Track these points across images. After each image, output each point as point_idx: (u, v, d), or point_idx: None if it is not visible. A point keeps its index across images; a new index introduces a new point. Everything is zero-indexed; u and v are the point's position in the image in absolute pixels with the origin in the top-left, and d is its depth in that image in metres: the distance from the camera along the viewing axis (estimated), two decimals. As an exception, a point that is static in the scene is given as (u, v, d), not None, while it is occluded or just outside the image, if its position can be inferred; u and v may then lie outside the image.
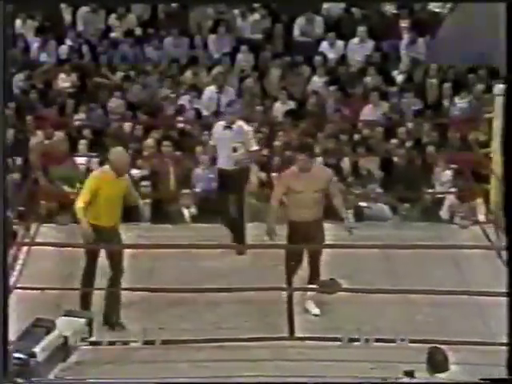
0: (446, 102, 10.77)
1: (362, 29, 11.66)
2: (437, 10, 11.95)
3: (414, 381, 5.85)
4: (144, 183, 9.28)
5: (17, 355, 6.05)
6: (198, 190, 9.39)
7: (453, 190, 9.18)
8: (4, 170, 5.50)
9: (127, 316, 7.10)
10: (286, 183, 7.08)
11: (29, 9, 12.14)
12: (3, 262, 5.31)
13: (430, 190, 9.45)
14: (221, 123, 8.17)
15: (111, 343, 6.63)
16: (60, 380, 6.24)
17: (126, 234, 8.35)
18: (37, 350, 6.13)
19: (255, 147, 8.17)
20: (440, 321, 7.02)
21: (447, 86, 10.86)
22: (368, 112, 10.60)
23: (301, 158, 7.03)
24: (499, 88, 8.76)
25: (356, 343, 6.67)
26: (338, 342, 6.70)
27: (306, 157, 7.02)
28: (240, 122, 8.15)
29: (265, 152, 9.90)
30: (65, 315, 6.56)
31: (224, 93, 10.91)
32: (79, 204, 6.88)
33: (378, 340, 6.69)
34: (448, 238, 7.87)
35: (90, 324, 6.62)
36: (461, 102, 10.63)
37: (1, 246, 5.27)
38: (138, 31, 12.16)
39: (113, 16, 12.31)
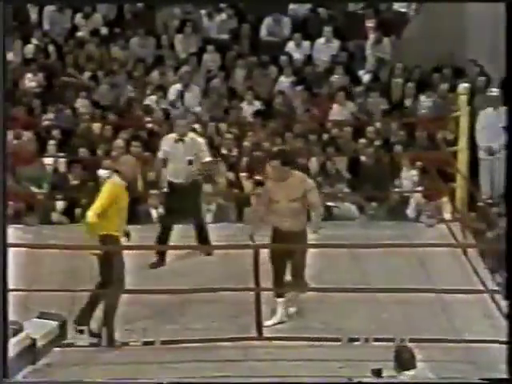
0: (410, 102, 10.85)
1: (327, 29, 11.71)
2: (402, 10, 12.03)
3: (408, 381, 5.91)
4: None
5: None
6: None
7: (419, 188, 9.26)
8: (4, 170, 5.49)
9: (93, 317, 7.09)
10: (266, 191, 7.00)
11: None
12: (3, 262, 5.29)
13: (396, 189, 9.53)
14: (171, 136, 8.04)
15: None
16: (60, 380, 6.22)
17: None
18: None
19: (208, 158, 8.07)
20: (406, 319, 7.08)
21: (412, 85, 10.94)
22: (336, 112, 10.65)
23: (273, 165, 6.91)
24: (464, 87, 8.86)
25: (325, 343, 6.70)
26: (306, 342, 6.73)
27: (279, 165, 6.87)
28: (192, 134, 8.08)
29: (234, 152, 9.94)
30: (38, 317, 6.53)
31: (189, 91, 10.91)
32: (94, 213, 6.63)
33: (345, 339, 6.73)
34: (414, 236, 7.95)
35: (63, 326, 6.59)
36: (427, 101, 10.72)
37: (0, 246, 5.26)
38: (104, 31, 12.11)
39: (79, 15, 12.26)
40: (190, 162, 7.94)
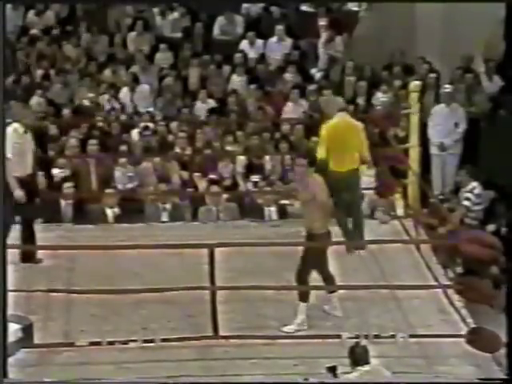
0: (362, 100, 10.93)
1: (279, 27, 11.75)
2: (354, 9, 12.11)
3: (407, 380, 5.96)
4: (67, 184, 9.21)
5: None
6: (119, 189, 9.38)
7: (371, 186, 9.33)
8: (4, 170, 5.41)
9: (49, 317, 7.04)
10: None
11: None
12: (3, 262, 5.23)
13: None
14: (15, 127, 7.62)
15: (110, 343, 6.55)
16: (60, 380, 6.15)
17: (47, 234, 8.32)
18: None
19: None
20: (360, 315, 7.14)
21: (364, 83, 11.02)
22: (289, 110, 10.69)
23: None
24: (415, 84, 8.95)
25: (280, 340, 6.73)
26: (262, 340, 6.76)
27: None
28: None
29: (188, 151, 9.93)
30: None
31: (138, 92, 10.84)
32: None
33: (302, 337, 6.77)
34: (368, 232, 7.99)
35: (27, 329, 6.51)
36: (383, 97, 10.81)
37: (0, 246, 5.20)
38: (56, 29, 12.01)
39: (31, 13, 12.14)
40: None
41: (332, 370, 5.99)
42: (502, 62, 10.50)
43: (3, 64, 5.29)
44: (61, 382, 6.16)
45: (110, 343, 6.57)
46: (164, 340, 6.66)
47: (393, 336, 6.71)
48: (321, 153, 7.41)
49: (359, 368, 5.89)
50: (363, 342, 6.12)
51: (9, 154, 7.30)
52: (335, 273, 7.13)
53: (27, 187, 7.69)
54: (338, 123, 7.52)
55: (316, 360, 6.42)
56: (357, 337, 6.53)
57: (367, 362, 5.91)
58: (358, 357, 5.91)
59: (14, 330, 6.33)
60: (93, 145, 9.64)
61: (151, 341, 6.66)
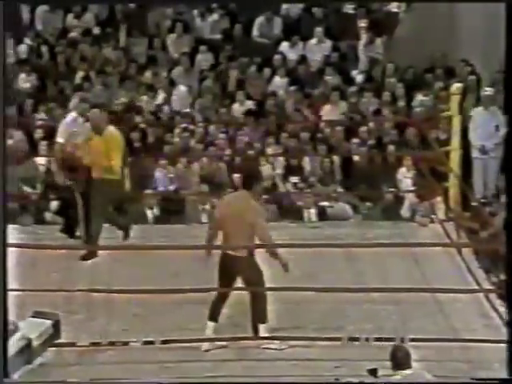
0: (403, 102, 10.88)
1: (319, 29, 11.73)
2: (394, 10, 12.06)
3: (406, 381, 5.91)
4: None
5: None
6: (160, 190, 9.42)
7: (412, 188, 9.28)
8: (4, 170, 5.46)
9: (89, 317, 7.08)
10: None
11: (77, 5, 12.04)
12: (3, 262, 5.27)
13: (390, 189, 9.55)
14: (74, 117, 8.20)
15: (111, 343, 6.58)
16: (62, 380, 6.19)
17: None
18: (-6, 352, 6.04)
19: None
20: (402, 318, 7.10)
21: (403, 85, 10.97)
22: (328, 112, 10.67)
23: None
24: (456, 87, 8.88)
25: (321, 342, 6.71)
26: (302, 341, 6.74)
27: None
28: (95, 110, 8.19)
29: (227, 152, 9.95)
30: (32, 316, 6.50)
31: (177, 94, 10.89)
32: None
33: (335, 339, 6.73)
34: (409, 235, 7.96)
35: (56, 325, 6.57)
36: (424, 99, 10.75)
37: (0, 246, 5.23)
38: (96, 31, 12.08)
39: (70, 16, 12.22)
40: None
41: (373, 372, 5.94)
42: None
43: (3, 64, 5.28)
44: (61, 381, 6.17)
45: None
46: (205, 340, 6.66)
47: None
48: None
49: (401, 372, 5.84)
50: (406, 344, 6.07)
51: (60, 140, 8.09)
52: (375, 275, 7.10)
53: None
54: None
55: (357, 363, 6.38)
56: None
57: (409, 366, 5.86)
58: (399, 360, 5.86)
59: (45, 326, 6.38)
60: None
61: (192, 340, 6.66)
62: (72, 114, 8.24)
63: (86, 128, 8.12)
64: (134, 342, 6.62)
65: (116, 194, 8.03)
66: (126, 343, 6.62)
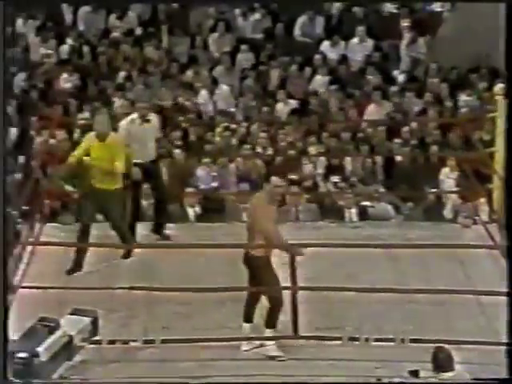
0: (446, 102, 10.78)
1: (361, 28, 11.68)
2: (437, 10, 11.95)
3: (410, 381, 5.85)
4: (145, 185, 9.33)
5: (20, 355, 6.02)
6: (202, 188, 9.43)
7: (455, 189, 9.19)
8: (4, 170, 5.48)
9: (130, 315, 7.11)
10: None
11: (30, 9, 12.12)
12: (3, 261, 5.29)
13: (433, 190, 9.47)
14: (132, 118, 8.14)
15: (111, 342, 6.60)
16: (61, 380, 6.22)
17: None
18: (40, 349, 6.12)
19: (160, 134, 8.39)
20: (444, 320, 7.03)
21: (447, 85, 10.87)
22: (371, 111, 10.61)
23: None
24: (500, 87, 8.78)
25: (356, 342, 6.65)
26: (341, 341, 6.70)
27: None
28: (153, 114, 8.24)
29: (269, 151, 9.94)
30: (71, 314, 6.54)
31: (219, 93, 10.90)
32: None
33: (380, 339, 6.68)
34: (451, 237, 7.88)
35: (94, 322, 6.61)
36: (468, 100, 10.65)
37: (0, 246, 5.25)
38: (139, 31, 12.14)
39: (113, 16, 12.30)
40: (158, 141, 8.29)
41: (414, 374, 5.90)
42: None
43: (3, 64, 5.29)
44: (61, 381, 6.19)
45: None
46: (245, 338, 6.65)
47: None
48: None
49: (443, 374, 5.78)
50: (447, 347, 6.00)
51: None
52: (417, 276, 7.04)
53: (148, 172, 8.19)
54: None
55: (398, 364, 6.33)
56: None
57: (452, 369, 5.79)
58: (441, 362, 5.79)
59: (85, 323, 6.41)
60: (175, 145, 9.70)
61: (230, 339, 6.64)
62: (132, 116, 8.19)
63: (144, 130, 8.10)
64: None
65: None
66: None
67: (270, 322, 6.71)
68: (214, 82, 11.17)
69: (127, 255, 7.91)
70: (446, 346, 5.90)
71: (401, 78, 11.33)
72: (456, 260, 7.78)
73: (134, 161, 8.10)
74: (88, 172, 7.85)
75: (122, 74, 11.42)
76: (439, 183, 9.55)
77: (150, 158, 8.19)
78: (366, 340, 6.65)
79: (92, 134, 7.86)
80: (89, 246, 7.73)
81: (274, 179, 6.70)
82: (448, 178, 9.47)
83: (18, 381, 5.91)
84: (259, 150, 9.98)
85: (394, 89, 10.95)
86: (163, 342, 6.62)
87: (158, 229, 8.36)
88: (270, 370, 6.46)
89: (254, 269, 6.68)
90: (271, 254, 6.72)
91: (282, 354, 6.65)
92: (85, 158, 7.80)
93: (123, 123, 8.16)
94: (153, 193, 8.44)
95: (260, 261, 6.66)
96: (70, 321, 6.50)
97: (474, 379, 5.71)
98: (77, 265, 7.73)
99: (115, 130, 8.07)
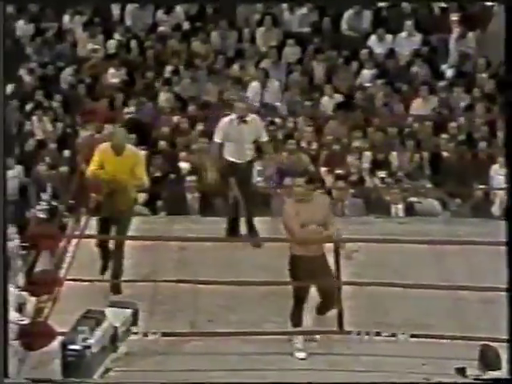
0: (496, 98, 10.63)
1: (409, 23, 11.58)
2: (488, 4, 11.79)
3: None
4: (190, 177, 9.34)
5: (72, 347, 6.05)
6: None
7: (504, 186, 9.05)
8: (4, 170, 5.52)
9: (176, 308, 7.12)
10: (290, 213, 6.59)
11: (77, 4, 12.22)
12: (3, 261, 5.32)
13: (481, 186, 9.35)
14: (231, 118, 8.03)
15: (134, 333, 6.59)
16: (61, 380, 6.25)
17: (174, 226, 8.44)
18: (92, 341, 6.14)
19: (266, 138, 8.18)
20: (490, 318, 6.93)
21: (498, 81, 10.72)
22: (418, 106, 10.51)
23: (298, 184, 6.58)
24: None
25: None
26: (388, 337, 6.65)
27: (304, 184, 6.57)
28: (253, 115, 8.14)
29: (314, 145, 9.89)
30: (110, 306, 6.57)
31: (268, 87, 10.90)
32: None
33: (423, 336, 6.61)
34: (499, 234, 7.73)
35: (135, 314, 6.63)
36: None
37: (1, 245, 5.28)
38: (186, 25, 12.17)
39: (160, 11, 12.34)
40: (256, 142, 8.09)
41: (461, 371, 5.83)
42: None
43: (3, 62, 5.29)
44: (62, 381, 6.20)
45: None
46: (289, 333, 6.63)
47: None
48: None
49: (490, 372, 5.70)
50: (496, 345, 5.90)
51: (217, 140, 8.02)
52: (463, 273, 6.93)
53: (240, 173, 8.08)
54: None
55: (444, 361, 6.26)
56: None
57: (499, 368, 5.71)
58: (488, 361, 5.71)
59: (127, 315, 6.43)
60: (203, 142, 9.64)
61: (273, 333, 6.61)
62: (231, 116, 8.07)
63: (241, 130, 8.00)
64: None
65: None
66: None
67: (321, 310, 6.69)
68: (266, 76, 11.12)
69: (116, 290, 7.34)
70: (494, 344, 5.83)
71: (449, 72, 11.21)
72: (503, 257, 7.65)
73: (229, 158, 8.02)
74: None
75: (169, 68, 11.46)
76: (489, 180, 9.43)
77: (245, 158, 8.07)
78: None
79: (104, 146, 7.46)
80: (127, 239, 7.63)
81: (298, 179, 6.63)
82: (498, 174, 9.34)
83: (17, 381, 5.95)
84: (304, 144, 9.95)
85: (441, 84, 10.83)
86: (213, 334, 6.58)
87: (250, 226, 8.21)
88: (313, 365, 6.43)
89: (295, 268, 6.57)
90: (311, 252, 6.57)
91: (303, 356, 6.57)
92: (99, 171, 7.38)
93: (221, 123, 8.06)
94: (241, 192, 8.13)
95: (297, 260, 6.56)
96: (114, 313, 6.53)
97: (474, 379, 5.62)
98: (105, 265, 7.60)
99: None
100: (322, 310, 6.77)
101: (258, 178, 9.58)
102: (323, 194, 6.92)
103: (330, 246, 6.73)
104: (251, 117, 8.09)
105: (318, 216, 6.58)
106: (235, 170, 8.07)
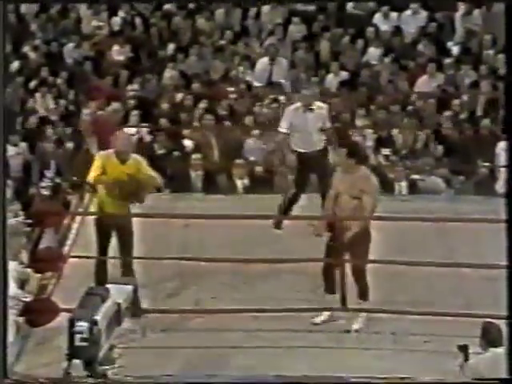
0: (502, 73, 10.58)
1: (414, 0, 11.51)
2: (493, -19, 11.71)
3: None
4: (195, 155, 9.34)
5: (80, 323, 6.04)
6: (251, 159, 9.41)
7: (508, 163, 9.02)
8: (4, 170, 5.52)
9: (179, 286, 7.14)
10: (334, 183, 6.79)
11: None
12: (3, 261, 5.33)
13: (485, 164, 9.32)
14: (297, 106, 7.83)
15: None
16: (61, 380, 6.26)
17: (178, 204, 8.45)
18: (98, 317, 6.14)
19: (329, 124, 7.97)
20: (493, 295, 6.93)
21: (501, 56, 10.65)
22: (423, 83, 10.46)
23: (340, 155, 6.70)
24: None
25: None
26: (392, 315, 6.66)
27: (345, 156, 6.66)
28: (319, 102, 7.90)
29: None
30: (111, 283, 6.56)
31: (276, 64, 10.86)
32: None
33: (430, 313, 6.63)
34: (503, 212, 7.71)
35: (135, 291, 6.63)
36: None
37: (1, 245, 5.29)
38: (191, 4, 12.11)
39: (165, -12, 12.28)
40: (322, 130, 7.84)
41: (463, 348, 5.82)
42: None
43: (3, 62, 5.26)
44: (62, 381, 6.20)
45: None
46: (293, 310, 6.65)
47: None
48: None
49: (493, 349, 5.70)
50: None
51: (283, 129, 7.75)
52: (467, 251, 6.90)
53: (308, 162, 7.86)
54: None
55: (447, 338, 6.27)
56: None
57: (501, 344, 5.71)
58: (491, 337, 5.71)
59: (128, 291, 6.44)
60: (209, 119, 9.65)
61: (279, 310, 6.64)
62: (296, 104, 7.85)
63: (307, 119, 7.77)
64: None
65: None
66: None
67: (361, 293, 6.72)
68: (276, 53, 11.03)
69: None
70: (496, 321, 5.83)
71: (455, 49, 11.15)
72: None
73: (296, 149, 7.83)
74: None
75: (172, 45, 11.42)
76: (494, 157, 9.40)
77: (313, 147, 7.82)
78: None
79: (108, 152, 7.03)
80: (140, 216, 7.56)
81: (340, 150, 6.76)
82: (503, 151, 9.31)
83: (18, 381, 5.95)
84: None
85: (448, 61, 10.78)
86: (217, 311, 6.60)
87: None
88: (317, 343, 6.44)
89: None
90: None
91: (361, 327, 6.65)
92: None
93: (286, 112, 7.86)
94: (320, 182, 7.94)
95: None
96: (116, 289, 6.52)
97: (474, 379, 5.63)
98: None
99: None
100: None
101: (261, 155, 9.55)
102: (367, 169, 6.83)
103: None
104: (317, 104, 7.82)
105: (354, 188, 6.62)
106: (306, 160, 7.83)
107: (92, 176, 6.93)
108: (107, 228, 6.87)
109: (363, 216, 6.73)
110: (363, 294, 6.72)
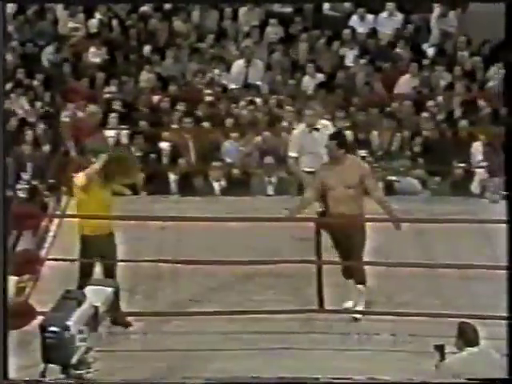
0: (479, 76, 10.67)
1: (390, 2, 11.56)
2: (468, -17, 11.80)
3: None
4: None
5: (51, 329, 6.03)
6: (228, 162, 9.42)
7: (483, 164, 9.10)
8: (4, 169, 5.50)
9: (157, 287, 7.14)
10: (319, 175, 6.86)
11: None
12: (3, 260, 5.32)
13: (460, 164, 9.39)
14: (302, 129, 7.73)
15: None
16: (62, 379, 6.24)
17: (155, 206, 8.45)
18: (70, 322, 6.12)
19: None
20: (470, 295, 6.99)
21: (479, 59, 10.75)
22: (405, 83, 10.51)
23: (328, 147, 6.80)
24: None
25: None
26: (368, 316, 6.70)
27: (334, 147, 6.77)
28: (323, 121, 7.82)
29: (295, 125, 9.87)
30: (91, 284, 6.54)
31: (252, 66, 10.88)
32: None
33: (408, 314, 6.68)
34: (479, 212, 7.80)
35: (117, 293, 6.62)
36: (498, 74, 10.53)
37: (1, 244, 5.27)
38: (168, 5, 12.10)
39: (142, -11, 12.25)
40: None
41: (440, 348, 5.87)
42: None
43: (2, 62, 5.26)
44: (63, 381, 6.20)
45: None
46: (269, 312, 6.67)
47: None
48: None
49: (468, 349, 5.75)
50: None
51: (293, 154, 7.67)
52: (444, 251, 6.96)
53: None
54: None
55: (423, 338, 6.31)
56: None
57: (477, 343, 5.76)
58: (467, 337, 5.76)
59: (107, 294, 6.41)
60: (188, 122, 9.65)
61: (257, 312, 6.65)
62: (301, 126, 7.79)
63: (314, 139, 7.64)
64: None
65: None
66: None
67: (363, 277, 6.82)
68: (251, 55, 11.06)
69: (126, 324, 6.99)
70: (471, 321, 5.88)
71: (430, 51, 11.22)
72: (483, 235, 7.72)
73: (306, 169, 7.67)
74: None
75: (148, 47, 11.41)
76: (470, 157, 9.46)
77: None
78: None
79: (91, 171, 6.95)
80: (118, 218, 7.56)
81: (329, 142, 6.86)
82: (479, 151, 9.38)
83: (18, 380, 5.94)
84: (285, 123, 9.95)
85: (423, 62, 10.85)
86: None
87: None
88: (295, 344, 6.46)
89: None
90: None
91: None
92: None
93: (293, 136, 7.79)
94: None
95: None
96: (94, 292, 6.50)
97: (475, 379, 5.68)
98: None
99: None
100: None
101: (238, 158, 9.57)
102: (357, 158, 6.95)
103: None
104: (321, 123, 7.76)
105: (347, 178, 6.71)
106: None
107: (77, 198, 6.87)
108: (91, 257, 6.77)
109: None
110: (362, 279, 6.79)
